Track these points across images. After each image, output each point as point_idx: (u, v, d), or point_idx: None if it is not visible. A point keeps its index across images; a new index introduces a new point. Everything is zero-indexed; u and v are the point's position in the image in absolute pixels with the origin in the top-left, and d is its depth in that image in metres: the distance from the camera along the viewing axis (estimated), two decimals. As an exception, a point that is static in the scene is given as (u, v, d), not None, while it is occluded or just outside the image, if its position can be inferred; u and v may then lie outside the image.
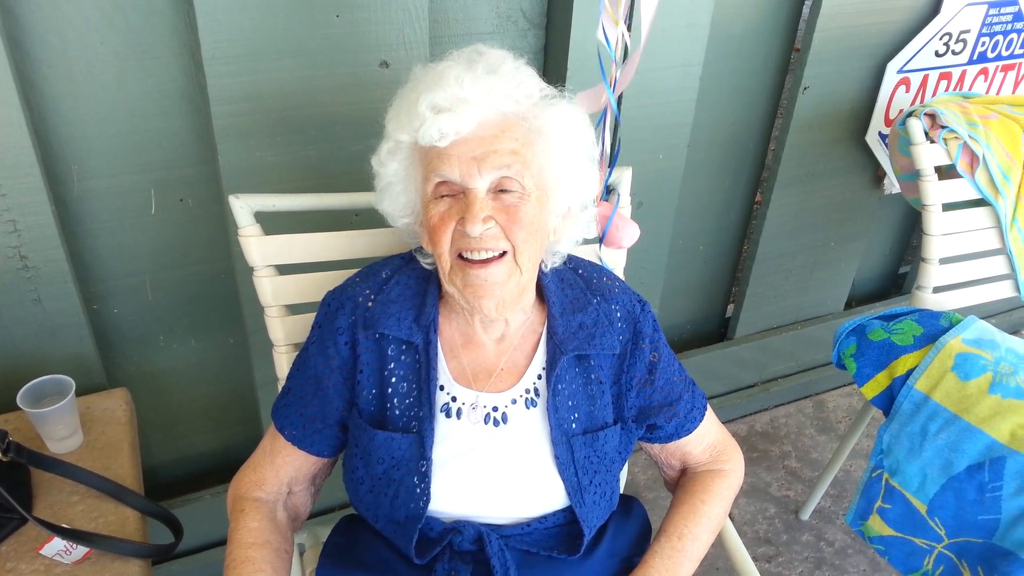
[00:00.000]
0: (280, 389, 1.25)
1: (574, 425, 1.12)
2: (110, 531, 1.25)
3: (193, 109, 1.51)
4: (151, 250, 1.62)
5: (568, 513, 1.12)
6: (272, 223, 1.32)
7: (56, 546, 1.21)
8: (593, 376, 1.14)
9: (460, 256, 1.04)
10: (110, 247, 1.58)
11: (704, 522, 1.18)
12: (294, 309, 1.37)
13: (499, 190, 1.02)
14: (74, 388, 1.36)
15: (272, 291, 1.33)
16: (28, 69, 1.36)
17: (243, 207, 1.28)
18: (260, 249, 1.30)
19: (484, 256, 1.03)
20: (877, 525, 1.62)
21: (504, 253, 1.04)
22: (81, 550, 1.21)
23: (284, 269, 1.34)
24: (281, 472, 1.17)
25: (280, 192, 1.31)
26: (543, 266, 1.15)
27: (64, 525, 1.23)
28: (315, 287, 1.33)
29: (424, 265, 1.16)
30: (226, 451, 1.98)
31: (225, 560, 1.09)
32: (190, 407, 1.87)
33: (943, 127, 1.76)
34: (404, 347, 1.12)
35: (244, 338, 1.77)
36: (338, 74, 1.52)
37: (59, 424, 1.36)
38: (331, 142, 1.58)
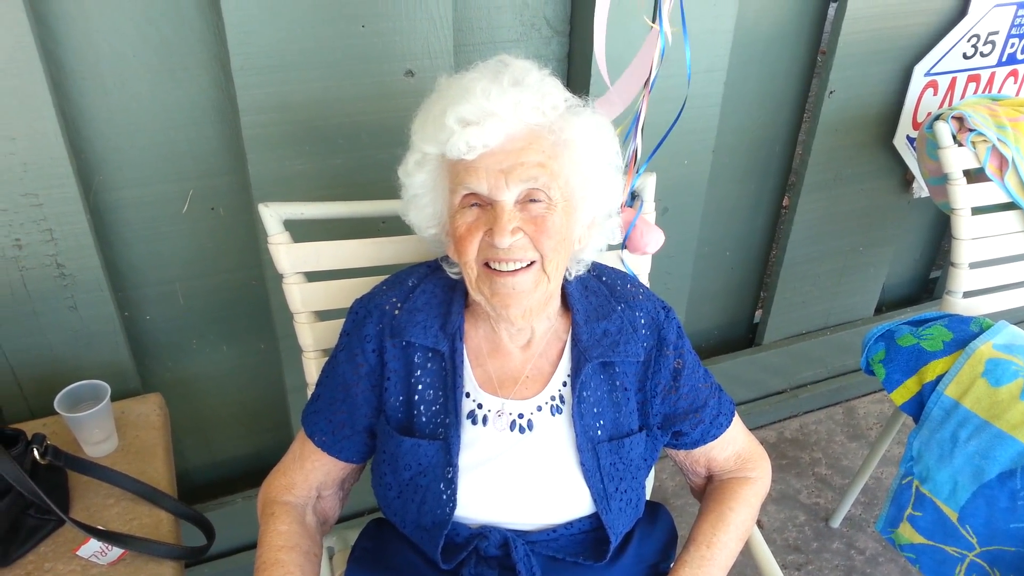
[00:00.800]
0: (309, 395, 1.27)
1: (600, 432, 1.12)
2: (144, 533, 1.27)
3: (223, 119, 1.54)
4: (183, 258, 1.65)
5: (594, 519, 1.13)
6: (301, 231, 1.34)
7: (92, 547, 1.23)
8: (618, 383, 1.15)
9: (487, 265, 1.05)
10: (143, 255, 1.62)
11: (732, 530, 1.18)
12: (323, 315, 1.39)
13: (527, 200, 1.03)
14: (109, 393, 1.39)
15: (301, 298, 1.35)
16: (63, 82, 1.40)
17: (272, 215, 1.31)
18: (289, 256, 1.32)
19: (512, 267, 1.04)
20: (908, 533, 1.61)
21: (532, 263, 1.05)
22: (116, 551, 1.23)
23: (313, 276, 1.36)
24: (310, 477, 1.18)
25: (308, 200, 1.34)
26: (567, 274, 1.16)
27: (100, 527, 1.25)
28: (343, 294, 1.34)
29: (450, 274, 1.17)
30: (257, 455, 2.00)
31: (255, 563, 1.10)
32: (222, 412, 1.90)
33: (971, 130, 1.75)
34: (431, 355, 1.13)
35: (275, 344, 1.80)
36: (364, 84, 1.55)
37: (95, 428, 1.39)
38: (358, 151, 1.61)
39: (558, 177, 1.03)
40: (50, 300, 1.50)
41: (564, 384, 1.14)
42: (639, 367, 1.16)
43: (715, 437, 1.22)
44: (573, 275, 1.17)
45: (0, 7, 1.24)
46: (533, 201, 1.03)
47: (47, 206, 1.42)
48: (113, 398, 1.42)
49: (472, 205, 1.04)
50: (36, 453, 1.23)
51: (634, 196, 1.43)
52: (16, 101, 1.31)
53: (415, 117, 1.10)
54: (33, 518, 1.24)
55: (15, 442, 1.22)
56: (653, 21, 1.28)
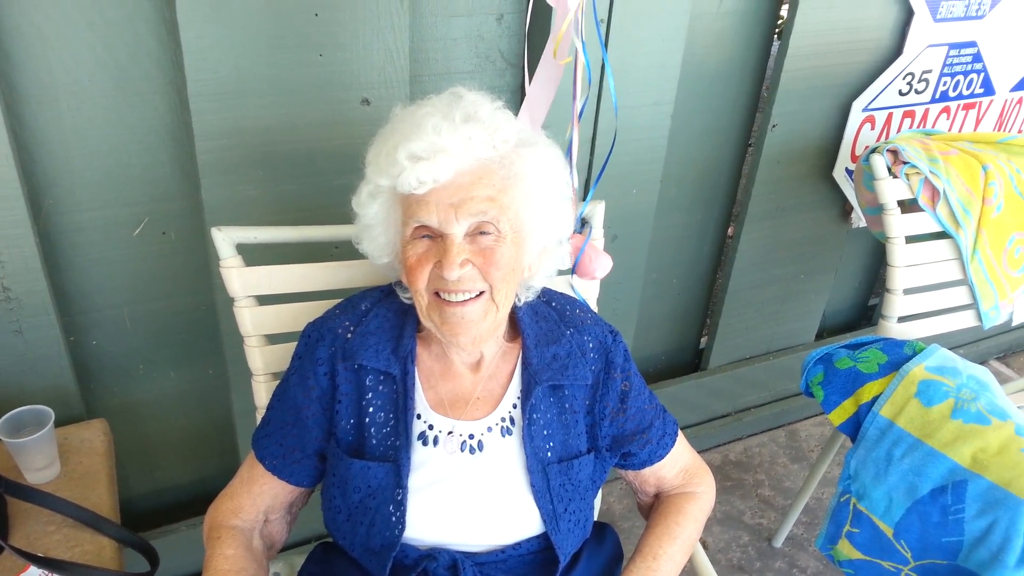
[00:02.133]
0: (259, 419, 1.27)
1: (549, 454, 1.14)
2: (87, 560, 1.25)
3: (177, 144, 1.54)
4: (132, 282, 1.64)
5: (542, 540, 1.14)
6: (253, 255, 1.34)
7: (32, 574, 1.21)
8: (567, 405, 1.17)
9: (437, 294, 1.07)
10: (92, 279, 1.60)
11: (678, 543, 1.21)
12: (273, 339, 1.39)
13: (477, 232, 1.05)
14: (53, 419, 1.36)
15: (252, 321, 1.35)
16: (16, 104, 1.39)
17: (225, 239, 1.31)
18: (241, 280, 1.33)
19: (461, 298, 1.06)
20: (846, 549, 1.65)
21: (481, 292, 1.07)
22: (58, 579, 1.21)
23: (264, 300, 1.37)
24: (258, 500, 1.18)
25: (261, 225, 1.34)
26: (517, 300, 1.18)
27: (40, 554, 1.23)
28: (295, 317, 1.35)
29: (403, 299, 1.19)
30: (203, 482, 1.98)
31: (202, 586, 1.10)
32: (168, 438, 1.88)
33: (905, 163, 1.83)
34: (382, 377, 1.14)
35: (223, 369, 1.78)
36: (320, 111, 1.56)
37: (37, 454, 1.37)
38: (313, 176, 1.62)
39: (507, 210, 1.05)
40: (-6, 324, 1.48)
41: (514, 406, 1.16)
42: (587, 390, 1.18)
43: (661, 457, 1.25)
44: (523, 301, 1.20)
45: (-49, 28, 1.24)
46: (483, 233, 1.05)
47: (-6, 228, 1.40)
48: (57, 423, 1.39)
49: (423, 236, 1.06)
50: (-23, 479, 1.21)
51: (584, 223, 1.47)
52: (-35, 123, 1.30)
53: (370, 147, 1.12)
54: (-28, 545, 1.21)
55: (-45, 468, 1.19)
56: (570, 53, 1.33)
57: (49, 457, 1.39)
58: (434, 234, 1.06)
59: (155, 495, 1.94)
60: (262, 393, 1.39)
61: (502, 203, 1.05)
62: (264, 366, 1.38)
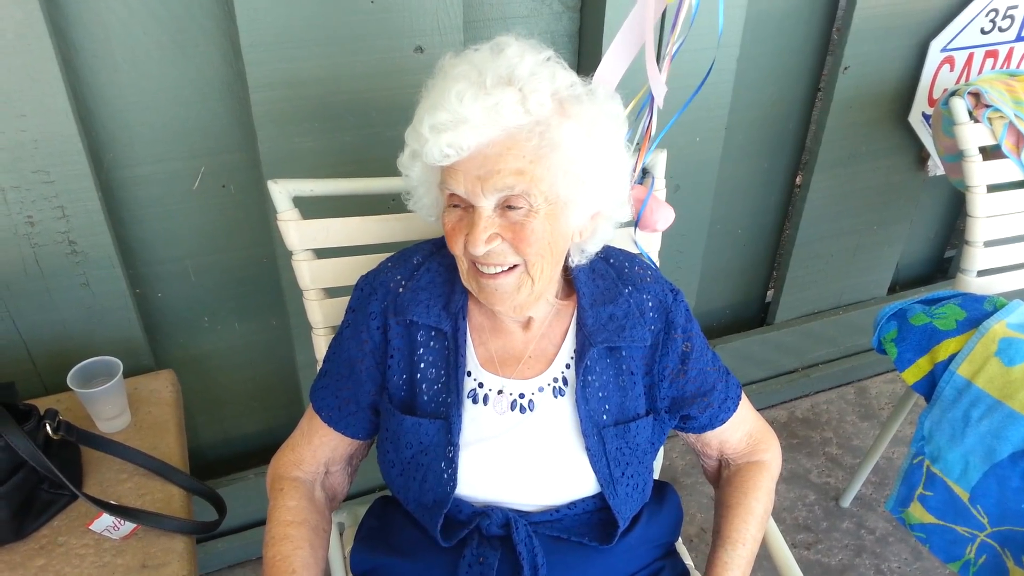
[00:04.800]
0: (318, 371, 1.27)
1: (605, 416, 1.12)
2: (156, 508, 1.28)
3: (233, 96, 1.54)
4: (194, 235, 1.66)
5: (598, 500, 1.13)
6: (310, 208, 1.34)
7: (105, 522, 1.25)
8: (624, 367, 1.14)
9: (473, 262, 1.04)
10: (154, 232, 1.63)
11: (758, 522, 1.19)
12: (332, 292, 1.39)
13: (506, 206, 1.00)
14: (122, 369, 1.40)
15: (310, 274, 1.35)
16: (74, 59, 1.40)
17: (282, 192, 1.30)
18: (298, 233, 1.32)
19: (494, 270, 1.03)
20: (918, 513, 1.60)
21: (515, 266, 1.03)
22: (128, 526, 1.24)
23: (322, 253, 1.36)
24: (318, 452, 1.19)
25: (318, 177, 1.33)
26: (571, 261, 1.13)
27: (112, 502, 1.27)
28: (352, 271, 1.34)
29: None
30: (269, 432, 2.02)
31: (264, 537, 1.12)
32: (234, 389, 1.91)
33: (988, 106, 1.72)
34: (433, 333, 1.13)
35: (286, 321, 1.81)
36: (373, 60, 1.54)
37: (108, 404, 1.40)
38: (367, 127, 1.60)
39: (540, 182, 0.98)
40: (62, 277, 1.51)
41: (567, 366, 1.13)
42: (646, 351, 1.15)
43: (723, 421, 1.22)
44: (576, 263, 1.14)
45: (9, -17, 1.24)
46: (512, 208, 0.99)
47: (58, 183, 1.42)
48: (126, 375, 1.43)
49: (455, 205, 1.02)
50: (49, 428, 1.24)
51: (645, 173, 1.42)
52: (26, 78, 1.31)
53: (418, 102, 1.07)
54: (46, 493, 1.25)
55: (28, 417, 1.23)
56: None
57: (119, 407, 1.43)
58: (464, 204, 1.01)
59: (223, 444, 1.99)
60: (322, 346, 1.39)
61: (533, 175, 0.97)
62: (323, 319, 1.38)
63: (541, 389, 1.12)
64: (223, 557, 1.96)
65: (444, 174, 1.00)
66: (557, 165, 0.99)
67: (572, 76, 1.02)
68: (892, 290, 2.73)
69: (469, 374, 1.12)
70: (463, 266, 1.06)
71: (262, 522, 1.94)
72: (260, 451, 2.03)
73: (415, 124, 1.01)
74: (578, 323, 1.13)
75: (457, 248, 1.03)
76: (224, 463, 2.00)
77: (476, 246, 0.99)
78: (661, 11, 1.26)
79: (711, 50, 1.84)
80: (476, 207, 0.99)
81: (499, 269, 1.02)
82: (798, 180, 2.37)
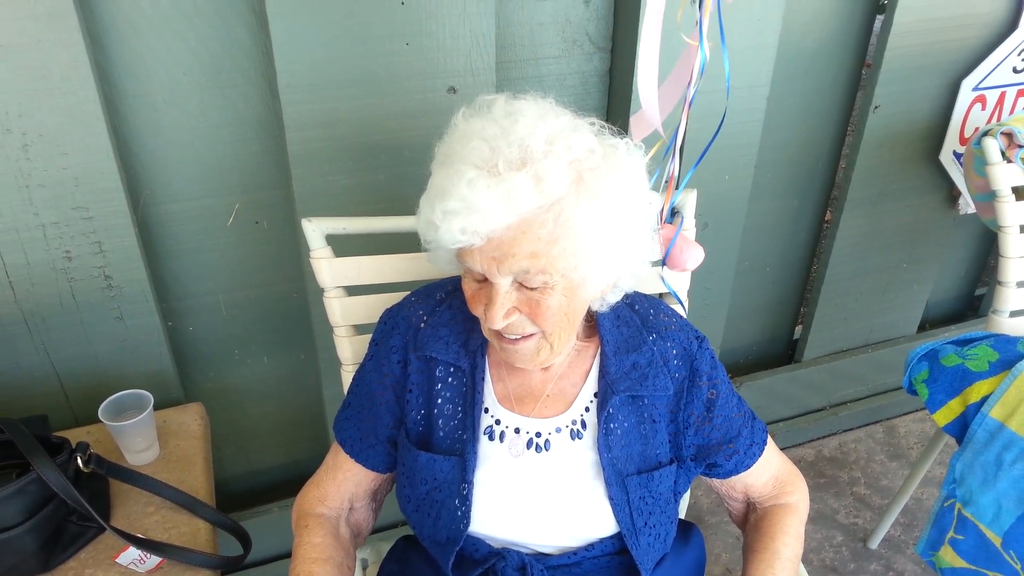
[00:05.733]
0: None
1: (628, 465, 1.11)
2: (182, 542, 1.29)
3: (269, 135, 1.57)
4: (227, 270, 1.68)
5: (616, 541, 1.11)
6: (343, 245, 1.35)
7: (131, 555, 1.25)
8: (646, 415, 1.13)
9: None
10: (188, 267, 1.65)
11: (789, 565, 1.16)
12: (361, 329, 1.40)
13: (522, 284, 0.99)
14: (152, 403, 1.41)
15: (341, 312, 1.37)
16: (114, 99, 1.43)
17: (315, 230, 1.32)
18: (331, 271, 1.34)
19: (514, 336, 1.02)
20: (949, 556, 1.57)
21: (533, 334, 1.03)
22: (155, 559, 1.25)
23: (353, 290, 1.38)
24: (342, 487, 1.19)
25: (351, 215, 1.35)
26: (592, 307, 1.11)
27: (139, 535, 1.27)
28: (382, 308, 1.35)
29: None
30: (294, 465, 2.02)
31: (289, 574, 1.11)
32: (261, 422, 1.93)
33: (1021, 146, 1.71)
34: (452, 370, 1.13)
35: (314, 356, 1.82)
36: (407, 100, 1.56)
37: (137, 437, 1.42)
38: (399, 166, 1.62)
39: (556, 261, 0.95)
40: (97, 310, 1.53)
41: (587, 409, 1.13)
42: (670, 399, 1.14)
43: (749, 467, 1.20)
44: (598, 310, 1.13)
45: (57, 27, 1.27)
46: (528, 287, 0.98)
47: (97, 219, 1.45)
48: (156, 407, 1.45)
49: (474, 279, 1.02)
50: (80, 461, 1.25)
51: (674, 212, 1.42)
52: (70, 118, 1.35)
53: (432, 159, 1.05)
54: (75, 525, 1.26)
55: (60, 450, 1.24)
56: (691, 37, 1.27)
57: (148, 440, 1.44)
58: (481, 277, 1.00)
59: (249, 477, 2.00)
60: (350, 382, 1.40)
61: (549, 256, 0.94)
62: (353, 356, 1.39)
63: (559, 430, 1.12)
64: (246, 590, 1.96)
65: (459, 251, 0.98)
66: (573, 245, 0.96)
67: (590, 140, 0.97)
68: (922, 328, 2.70)
69: (487, 410, 1.12)
70: (483, 326, 1.05)
71: (286, 555, 1.95)
72: (285, 484, 2.03)
73: (427, 200, 0.99)
74: (601, 370, 1.13)
75: (478, 313, 1.03)
76: (249, 496, 2.01)
77: (495, 322, 0.98)
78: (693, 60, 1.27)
79: (744, 89, 1.85)
80: (493, 284, 0.98)
81: (518, 336, 1.02)
82: (827, 217, 2.36)
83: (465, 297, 1.04)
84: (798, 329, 2.57)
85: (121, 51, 1.40)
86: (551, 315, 0.99)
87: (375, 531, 1.38)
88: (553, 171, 0.92)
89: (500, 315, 0.98)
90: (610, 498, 1.09)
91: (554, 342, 1.04)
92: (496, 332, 1.03)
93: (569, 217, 0.94)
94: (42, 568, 1.23)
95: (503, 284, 0.97)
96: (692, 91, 1.31)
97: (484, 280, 1.00)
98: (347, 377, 1.41)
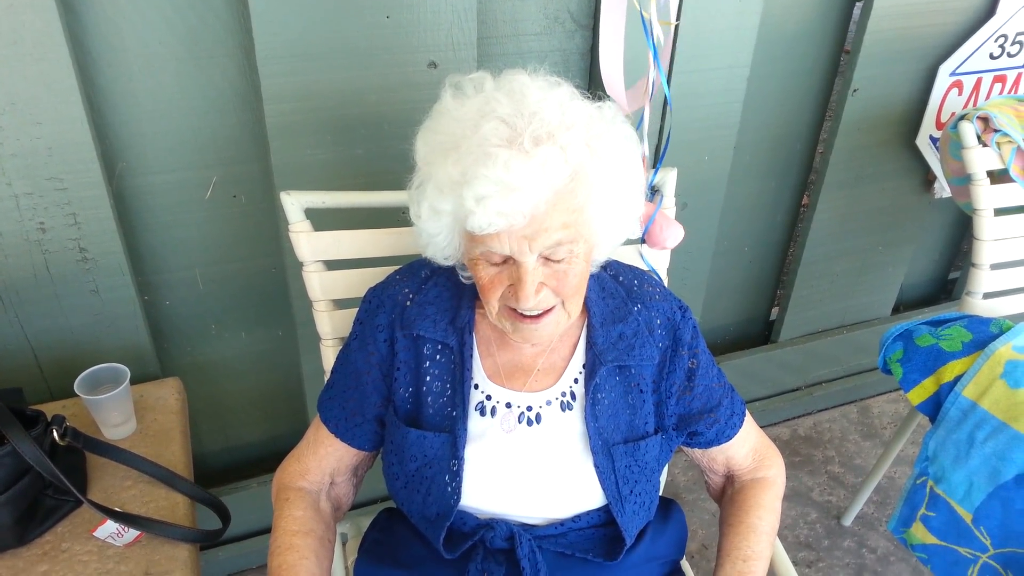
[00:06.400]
0: (326, 382, 1.28)
1: (615, 434, 1.12)
2: (161, 516, 1.28)
3: (247, 108, 1.55)
4: (204, 245, 1.67)
5: (603, 513, 1.13)
6: (321, 220, 1.35)
7: (109, 528, 1.25)
8: (633, 384, 1.14)
9: (509, 307, 1.03)
10: (164, 241, 1.63)
11: (765, 539, 1.18)
12: (341, 304, 1.39)
13: (549, 257, 0.99)
14: (129, 376, 1.40)
15: (320, 286, 1.36)
16: (89, 68, 1.41)
17: (294, 204, 1.31)
18: (310, 245, 1.33)
19: (536, 313, 1.03)
20: (920, 533, 1.60)
21: (554, 307, 1.04)
22: (132, 533, 1.25)
23: (332, 265, 1.37)
24: (324, 463, 1.19)
25: (329, 190, 1.34)
26: None
27: (117, 509, 1.27)
28: (362, 283, 1.35)
29: (462, 278, 1.14)
30: (273, 441, 2.02)
31: (270, 546, 1.11)
32: (239, 397, 1.92)
33: (996, 130, 1.73)
34: (440, 347, 1.13)
35: (292, 331, 1.81)
36: (387, 74, 1.55)
37: (114, 411, 1.41)
38: (379, 141, 1.61)
39: (583, 229, 0.99)
40: (72, 283, 1.52)
41: (575, 381, 1.14)
42: (654, 368, 1.15)
43: (730, 437, 1.22)
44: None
45: (29, -7, 1.25)
46: (555, 259, 0.99)
47: (71, 190, 1.43)
48: (132, 382, 1.43)
49: (492, 262, 1.01)
50: (55, 434, 1.24)
51: (654, 191, 1.43)
52: (43, 86, 1.32)
53: (418, 138, 1.03)
54: (51, 499, 1.25)
55: (35, 423, 1.23)
56: (656, 16, 1.26)
57: (125, 414, 1.43)
58: (503, 259, 1.00)
59: (227, 452, 1.99)
60: (330, 357, 1.40)
61: (578, 224, 0.97)
62: (332, 331, 1.39)
63: (549, 403, 1.13)
64: (224, 565, 1.96)
65: (479, 238, 0.97)
66: (594, 210, 0.99)
67: (588, 107, 1.01)
68: (896, 310, 2.73)
69: (476, 387, 1.13)
70: (493, 309, 1.04)
71: (265, 531, 1.95)
72: (263, 460, 2.03)
73: (449, 185, 0.96)
74: (588, 342, 1.14)
75: (494, 300, 1.02)
76: (227, 471, 2.00)
77: (527, 301, 0.98)
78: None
79: (722, 70, 1.86)
80: (521, 263, 0.97)
81: (540, 312, 1.02)
82: (805, 200, 2.37)
83: (481, 284, 1.02)
84: (775, 310, 2.59)
85: (95, 18, 1.38)
86: (575, 282, 1.01)
87: (355, 507, 1.38)
88: (573, 140, 0.95)
89: (532, 292, 0.98)
90: (596, 466, 1.10)
91: (571, 310, 1.05)
92: (512, 312, 1.03)
93: (590, 183, 0.97)
94: (17, 542, 1.22)
95: (530, 261, 0.97)
96: (653, 73, 1.31)
97: (503, 262, 1.00)
98: (327, 352, 1.40)
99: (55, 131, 1.37)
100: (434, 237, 1.04)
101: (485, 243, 0.97)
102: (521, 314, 1.03)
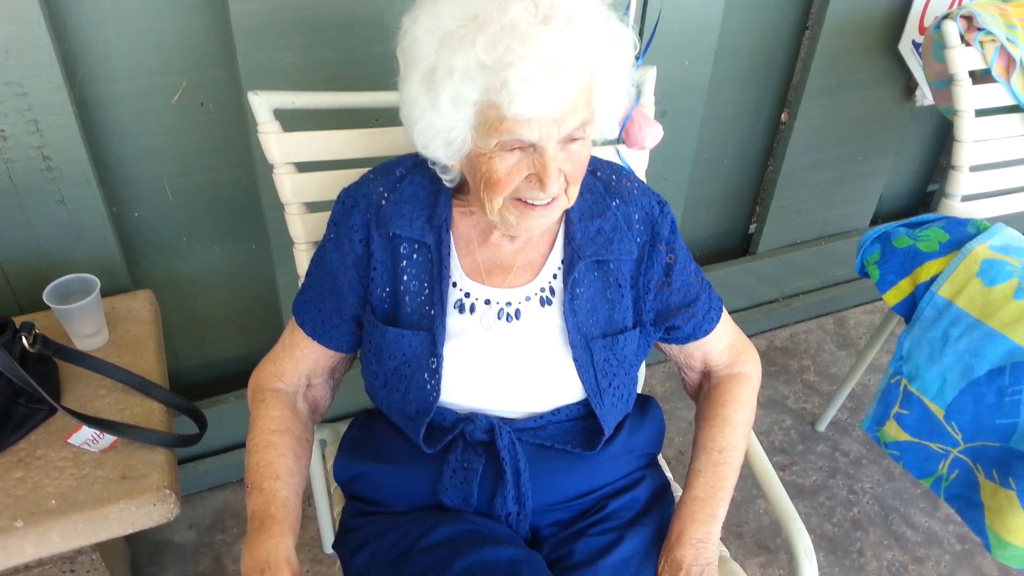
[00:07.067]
0: (301, 284, 1.26)
1: (593, 328, 1.12)
2: (136, 422, 1.27)
3: (212, 9, 1.49)
4: (172, 154, 1.62)
5: (581, 407, 1.14)
6: (292, 124, 1.31)
7: (84, 435, 1.24)
8: (612, 279, 1.14)
9: (518, 198, 1.01)
10: (131, 150, 1.59)
11: (740, 431, 1.19)
12: (313, 207, 1.36)
13: (567, 139, 0.97)
14: (99, 286, 1.38)
15: (292, 188, 1.33)
16: (44, -37, 1.35)
17: (262, 104, 1.27)
18: (279, 146, 1.29)
19: (546, 200, 1.01)
20: (893, 431, 1.63)
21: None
22: (108, 439, 1.24)
23: (304, 167, 1.34)
24: (300, 364, 1.18)
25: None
26: None
27: (91, 415, 1.26)
28: (335, 185, 1.31)
29: (445, 181, 1.11)
30: (249, 355, 2.01)
31: (247, 446, 1.11)
32: (214, 311, 1.90)
33: (980, 29, 1.70)
34: (417, 246, 1.11)
35: (267, 244, 1.78)
36: (356, -29, 1.49)
37: (85, 321, 1.38)
38: (349, 43, 1.56)
39: (597, 106, 0.99)
40: (37, 193, 1.47)
41: (554, 276, 1.13)
42: (633, 263, 1.15)
43: (707, 332, 1.22)
44: None
45: None
46: (573, 140, 0.98)
47: (32, 96, 1.38)
48: (103, 294, 1.41)
49: (514, 148, 0.97)
50: (25, 341, 1.23)
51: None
52: (-6, -18, 1.27)
53: (416, 22, 0.97)
54: (23, 407, 1.24)
55: (3, 330, 1.21)
56: None
57: (97, 324, 1.41)
58: (524, 146, 0.97)
59: (203, 367, 1.98)
60: (304, 261, 1.38)
61: (592, 104, 0.97)
62: (305, 234, 1.36)
63: (528, 298, 1.12)
64: (205, 479, 1.96)
65: (508, 122, 0.93)
66: (603, 85, 0.98)
67: None
68: (874, 222, 2.73)
69: (455, 285, 1.12)
70: (495, 204, 1.01)
71: (243, 444, 1.94)
72: (240, 374, 2.02)
73: (478, 68, 0.91)
74: (566, 237, 1.13)
75: (505, 192, 0.99)
76: (204, 386, 1.99)
77: (553, 185, 0.97)
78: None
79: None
80: (544, 148, 0.95)
81: (550, 199, 1.01)
82: (784, 112, 2.34)
83: (493, 178, 0.98)
84: (753, 222, 2.58)
85: (49, -89, 1.31)
86: (585, 164, 1.01)
87: (334, 419, 1.38)
88: (591, 18, 0.94)
89: (556, 177, 0.98)
90: (575, 360, 1.10)
91: (571, 194, 1.04)
92: (521, 203, 1.01)
93: (603, 61, 0.96)
94: (-9, 450, 1.21)
95: (552, 147, 0.96)
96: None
97: (524, 150, 0.97)
98: (300, 256, 1.38)
99: (10, 31, 1.31)
100: (452, 131, 0.99)
101: (513, 131, 0.94)
102: (532, 204, 1.01)
